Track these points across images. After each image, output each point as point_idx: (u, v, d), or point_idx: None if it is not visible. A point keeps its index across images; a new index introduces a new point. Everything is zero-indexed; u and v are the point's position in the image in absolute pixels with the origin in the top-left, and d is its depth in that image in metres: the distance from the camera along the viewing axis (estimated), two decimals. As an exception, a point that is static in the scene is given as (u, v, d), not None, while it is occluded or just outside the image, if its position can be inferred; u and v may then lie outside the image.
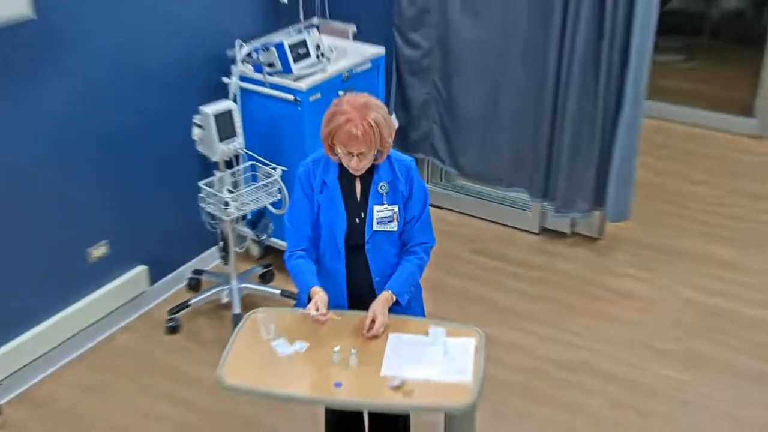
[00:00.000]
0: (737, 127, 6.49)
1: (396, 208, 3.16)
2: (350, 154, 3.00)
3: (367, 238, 3.18)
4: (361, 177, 3.15)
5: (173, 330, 4.64)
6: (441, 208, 5.69)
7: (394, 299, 3.15)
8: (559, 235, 5.43)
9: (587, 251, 5.27)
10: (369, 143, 2.97)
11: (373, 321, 3.07)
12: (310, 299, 3.12)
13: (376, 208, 3.15)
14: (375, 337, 3.07)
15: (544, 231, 5.46)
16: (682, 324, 4.63)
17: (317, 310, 3.03)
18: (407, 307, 3.30)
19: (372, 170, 3.14)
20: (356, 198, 3.17)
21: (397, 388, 2.87)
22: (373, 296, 3.23)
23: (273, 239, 4.97)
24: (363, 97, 3.05)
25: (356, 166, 3.04)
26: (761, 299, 4.81)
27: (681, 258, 5.17)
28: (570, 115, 4.96)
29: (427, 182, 5.71)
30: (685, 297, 4.84)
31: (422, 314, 3.40)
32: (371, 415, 3.58)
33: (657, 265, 5.12)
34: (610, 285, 4.96)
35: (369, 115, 2.97)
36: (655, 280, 4.99)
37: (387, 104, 5.35)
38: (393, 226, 3.17)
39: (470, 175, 5.49)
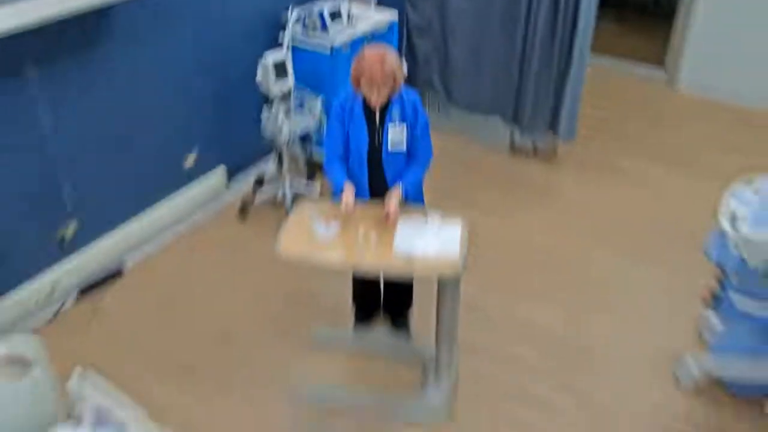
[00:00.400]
0: (653, 76, 6.44)
1: (404, 126, 3.15)
2: (371, 89, 3.01)
3: (384, 157, 3.19)
4: (380, 108, 3.16)
5: (243, 216, 4.66)
6: (438, 131, 5.66)
7: (401, 194, 3.17)
8: (524, 152, 5.40)
9: (544, 165, 5.24)
10: (385, 81, 2.99)
11: (388, 213, 3.11)
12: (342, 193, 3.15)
13: (390, 125, 3.14)
14: (390, 222, 3.11)
15: (514, 149, 5.44)
16: (610, 218, 4.64)
17: (347, 206, 3.09)
18: (413, 201, 3.33)
19: (388, 103, 3.14)
20: (376, 124, 3.17)
21: (404, 259, 2.92)
22: (385, 189, 3.24)
23: (315, 152, 4.99)
24: (381, 47, 3.05)
25: (376, 98, 3.05)
26: (668, 201, 4.80)
27: (613, 171, 5.15)
28: (534, 64, 4.90)
29: (428, 112, 5.68)
30: (613, 199, 4.84)
31: (422, 201, 3.43)
32: (385, 281, 3.66)
33: (595, 176, 5.09)
34: (560, 189, 4.95)
35: (385, 59, 2.98)
36: (592, 187, 4.97)
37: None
38: (402, 147, 3.18)
39: (460, 107, 5.46)
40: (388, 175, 3.24)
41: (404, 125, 3.16)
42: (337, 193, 3.21)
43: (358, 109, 3.15)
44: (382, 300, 3.79)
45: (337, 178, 3.20)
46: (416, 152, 3.24)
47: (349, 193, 3.12)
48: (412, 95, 3.20)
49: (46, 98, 3.57)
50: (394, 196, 3.13)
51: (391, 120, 3.14)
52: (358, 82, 3.05)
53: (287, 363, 3.61)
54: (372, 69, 2.96)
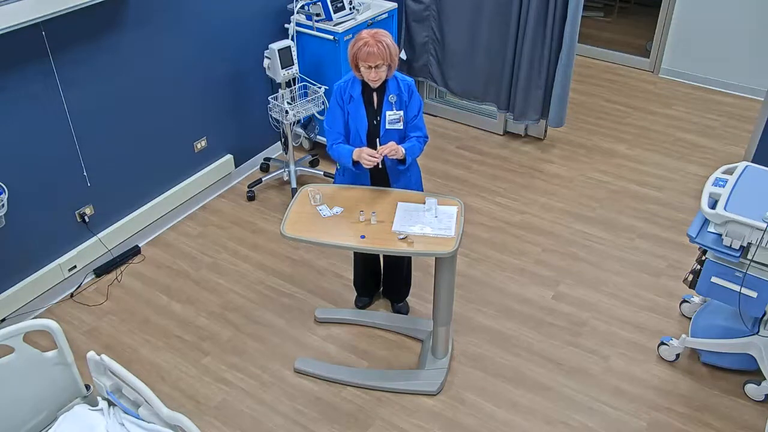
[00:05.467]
0: (637, 63, 6.35)
1: (401, 113, 3.11)
2: (369, 67, 2.97)
3: (381, 134, 3.13)
4: (377, 91, 3.10)
5: (251, 198, 4.62)
6: (435, 116, 5.62)
7: (404, 151, 3.09)
8: (516, 136, 5.34)
9: (534, 147, 5.19)
10: (382, 57, 2.95)
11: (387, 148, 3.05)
12: (354, 163, 3.10)
13: (388, 112, 3.10)
14: (390, 150, 3.04)
15: (506, 133, 5.38)
16: (595, 197, 4.60)
17: (370, 155, 3.02)
18: (414, 185, 3.30)
19: (384, 87, 3.09)
20: (374, 106, 3.12)
21: (403, 239, 2.90)
22: (385, 176, 3.22)
23: (318, 137, 4.93)
24: (375, 29, 3.02)
25: (374, 76, 3.00)
26: (649, 181, 4.76)
27: (597, 153, 5.10)
28: (526, 52, 4.82)
29: (425, 98, 5.63)
30: (598, 179, 4.79)
31: (421, 190, 3.38)
32: (385, 258, 3.62)
33: (580, 158, 5.04)
34: (548, 170, 4.91)
35: (380, 38, 2.95)
36: (578, 168, 4.93)
37: (398, 43, 5.24)
38: (399, 125, 3.13)
39: (456, 93, 5.39)
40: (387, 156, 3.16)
41: (401, 111, 3.12)
42: (348, 164, 3.13)
43: (357, 92, 3.10)
44: (382, 288, 3.77)
45: (345, 151, 3.13)
46: (410, 132, 3.19)
47: (364, 148, 3.06)
48: (406, 79, 3.16)
49: (67, 83, 3.51)
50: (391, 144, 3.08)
51: (388, 100, 3.10)
52: (356, 63, 3.01)
53: (291, 338, 3.59)
54: (368, 46, 2.93)
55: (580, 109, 5.70)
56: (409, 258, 3.60)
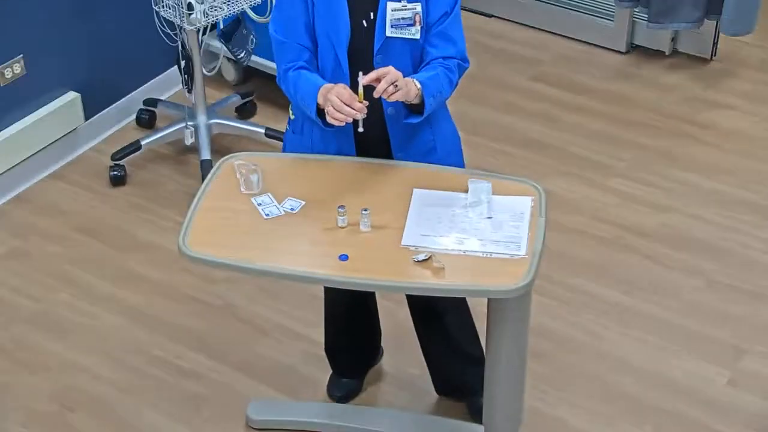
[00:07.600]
0: None
1: (418, 6, 3.09)
2: None
3: (377, 47, 3.12)
4: None
5: (119, 180, 4.66)
6: (490, 16, 5.63)
7: (419, 87, 3.00)
8: (655, 54, 5.40)
9: (690, 76, 5.24)
10: None
11: (378, 80, 2.94)
12: (319, 110, 3.05)
13: (391, 5, 3.07)
14: (388, 80, 2.92)
15: (634, 49, 5.43)
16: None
17: (341, 98, 2.94)
18: (444, 155, 3.31)
19: None
20: None
21: (423, 262, 2.87)
22: (385, 136, 3.23)
23: (255, 58, 4.95)
24: None
25: None
26: None
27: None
28: None
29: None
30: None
31: (461, 164, 3.38)
32: (412, 305, 3.61)
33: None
34: (719, 123, 4.95)
35: None
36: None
37: None
38: (414, 32, 3.11)
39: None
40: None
41: (417, 3, 3.08)
42: (310, 110, 3.09)
43: None
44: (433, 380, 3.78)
45: (307, 86, 3.09)
46: (434, 50, 3.16)
47: (339, 86, 2.98)
48: None
49: None
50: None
51: None
52: None
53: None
54: None
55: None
56: (462, 300, 3.57)
